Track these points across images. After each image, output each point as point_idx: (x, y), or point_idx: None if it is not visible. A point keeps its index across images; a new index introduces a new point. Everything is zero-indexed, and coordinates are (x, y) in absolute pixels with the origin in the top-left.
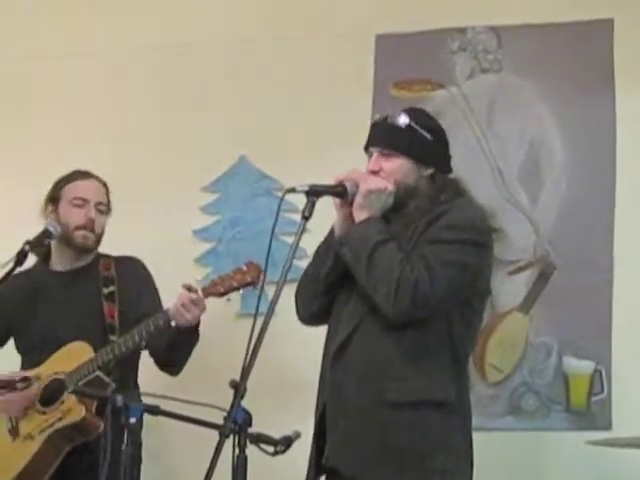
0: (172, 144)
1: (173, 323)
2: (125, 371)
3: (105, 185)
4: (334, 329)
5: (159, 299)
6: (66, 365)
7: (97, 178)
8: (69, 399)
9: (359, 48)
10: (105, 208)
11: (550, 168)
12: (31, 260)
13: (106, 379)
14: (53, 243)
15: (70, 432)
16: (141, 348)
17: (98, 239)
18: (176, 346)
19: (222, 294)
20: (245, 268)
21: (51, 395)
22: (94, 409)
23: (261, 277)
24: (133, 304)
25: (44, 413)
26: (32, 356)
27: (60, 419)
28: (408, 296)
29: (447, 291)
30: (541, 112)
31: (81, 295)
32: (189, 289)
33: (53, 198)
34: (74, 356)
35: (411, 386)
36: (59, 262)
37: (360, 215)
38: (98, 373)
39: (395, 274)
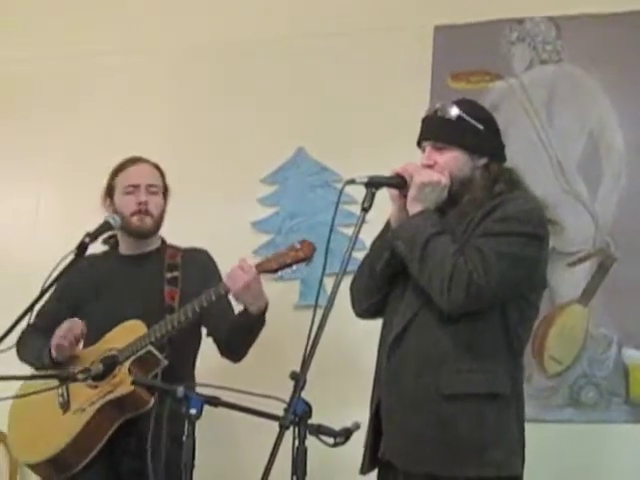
0: (230, 137)
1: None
2: (180, 355)
3: (157, 167)
4: (389, 322)
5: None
6: (119, 342)
7: (147, 161)
8: (120, 372)
9: (417, 40)
10: (157, 189)
11: (610, 159)
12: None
13: (158, 355)
14: (120, 232)
15: (120, 404)
16: (210, 331)
17: (157, 221)
18: (239, 329)
19: (275, 270)
20: (298, 245)
21: (104, 372)
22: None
23: (314, 254)
24: (195, 292)
25: (96, 387)
26: (92, 335)
27: (110, 392)
28: (462, 288)
29: (501, 283)
30: (601, 103)
31: (143, 277)
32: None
33: (108, 191)
34: (128, 333)
35: (466, 379)
36: (127, 248)
37: (414, 208)
38: (150, 348)
39: (448, 266)
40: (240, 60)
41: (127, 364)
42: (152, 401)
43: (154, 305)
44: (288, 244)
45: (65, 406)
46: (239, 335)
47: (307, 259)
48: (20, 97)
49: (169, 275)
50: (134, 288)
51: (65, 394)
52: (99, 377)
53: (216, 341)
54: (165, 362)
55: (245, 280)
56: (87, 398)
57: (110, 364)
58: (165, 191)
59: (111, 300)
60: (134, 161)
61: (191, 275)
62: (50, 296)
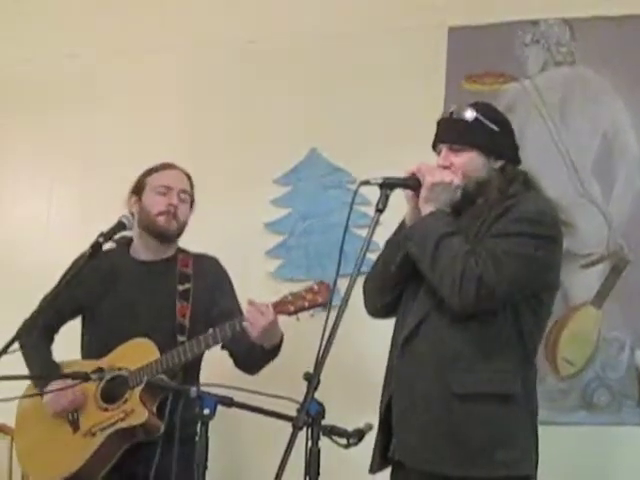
0: (244, 138)
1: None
2: (189, 370)
3: (189, 177)
4: (402, 322)
5: (236, 300)
6: (129, 362)
7: (181, 169)
8: (132, 399)
9: (432, 41)
10: (188, 197)
11: (624, 161)
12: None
13: (170, 385)
14: (136, 232)
15: (131, 433)
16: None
17: (180, 228)
18: (254, 360)
19: (292, 313)
20: (316, 288)
21: (112, 391)
22: (155, 409)
23: (331, 297)
24: (206, 305)
25: (106, 410)
26: (97, 337)
27: (122, 419)
28: (473, 288)
29: (512, 284)
30: (615, 105)
31: (156, 289)
32: (250, 304)
33: (137, 188)
34: (138, 354)
35: (478, 379)
36: (142, 251)
37: (426, 208)
38: (163, 377)
39: (460, 266)
40: (254, 61)
41: (138, 392)
42: (162, 428)
43: (165, 321)
44: (306, 286)
45: (74, 424)
46: (252, 361)
47: (325, 304)
48: (33, 97)
49: (181, 288)
50: (145, 298)
51: (74, 412)
52: (107, 397)
53: (231, 356)
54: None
55: (264, 325)
56: (98, 421)
57: (118, 385)
58: (192, 202)
59: (121, 304)
60: (170, 166)
61: (202, 289)
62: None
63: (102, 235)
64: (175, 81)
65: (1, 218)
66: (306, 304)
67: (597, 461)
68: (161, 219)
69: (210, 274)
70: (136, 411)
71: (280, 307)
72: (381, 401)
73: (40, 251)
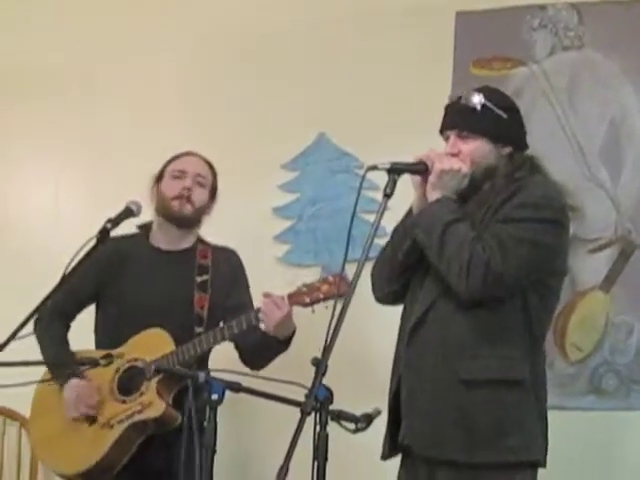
0: (251, 122)
1: (262, 326)
2: (202, 361)
3: (210, 164)
4: (409, 308)
5: (249, 295)
6: (145, 352)
7: (203, 157)
8: (149, 391)
9: (439, 25)
10: (205, 181)
11: (632, 146)
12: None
13: (179, 370)
14: (155, 220)
15: (148, 425)
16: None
17: (197, 213)
18: (264, 351)
19: (307, 304)
20: (332, 279)
21: (128, 382)
22: (171, 400)
23: (347, 290)
24: (223, 297)
25: (123, 402)
26: (112, 324)
27: (140, 412)
28: (480, 275)
29: (520, 270)
30: (622, 89)
31: (174, 279)
32: (266, 296)
33: (158, 177)
34: (154, 345)
35: (485, 365)
36: (161, 239)
37: (433, 195)
38: (178, 368)
39: (466, 253)
40: (260, 46)
41: (154, 383)
42: (179, 419)
43: (183, 311)
44: (321, 277)
45: (90, 417)
46: (261, 354)
47: (340, 296)
48: (41, 83)
49: (199, 279)
50: (164, 288)
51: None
52: (123, 389)
53: (237, 349)
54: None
55: (280, 318)
56: (115, 413)
57: (134, 377)
58: (213, 190)
59: (140, 291)
60: (190, 153)
61: (220, 279)
62: (74, 276)
63: (109, 221)
64: (182, 67)
65: (9, 206)
66: (321, 296)
67: (605, 446)
68: (175, 203)
69: (228, 267)
70: (153, 404)
71: (295, 298)
72: (390, 388)
73: (48, 239)
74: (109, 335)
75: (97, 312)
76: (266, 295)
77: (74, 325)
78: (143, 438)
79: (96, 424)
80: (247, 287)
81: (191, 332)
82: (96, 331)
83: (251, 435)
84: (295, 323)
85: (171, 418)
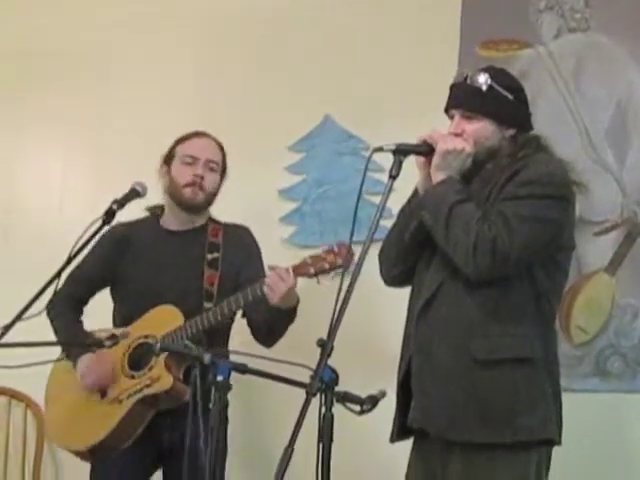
0: (257, 104)
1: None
2: (215, 336)
3: (220, 144)
4: (418, 289)
5: (262, 271)
6: (155, 329)
7: (213, 138)
8: (158, 365)
9: (446, 7)
10: (216, 166)
11: (638, 128)
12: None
13: (195, 351)
14: (166, 202)
15: (158, 399)
16: (233, 318)
17: (209, 198)
18: (271, 324)
19: (312, 275)
20: (336, 249)
21: (139, 358)
22: (181, 375)
23: (352, 260)
24: (234, 274)
25: (132, 377)
26: (126, 307)
27: (148, 386)
28: (487, 255)
29: (526, 247)
30: (629, 72)
31: (185, 257)
32: (271, 269)
33: (168, 158)
34: (164, 321)
35: (495, 344)
36: (172, 221)
37: (437, 176)
38: (187, 343)
39: (473, 233)
40: (267, 27)
41: (163, 358)
42: (188, 393)
43: (193, 288)
44: (326, 246)
45: (102, 393)
46: (270, 328)
47: (345, 265)
48: (48, 63)
49: (210, 257)
50: (174, 266)
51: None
52: (134, 365)
53: (249, 327)
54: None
55: (284, 291)
56: (124, 388)
57: (144, 353)
58: (223, 171)
59: (151, 272)
60: (200, 134)
61: (232, 256)
62: (85, 261)
63: (115, 202)
64: (190, 48)
65: (15, 189)
66: (326, 266)
67: (610, 428)
68: (187, 191)
69: (240, 243)
70: (162, 377)
71: (300, 269)
72: (399, 368)
73: (54, 221)
74: (123, 316)
75: (112, 295)
76: (271, 268)
77: (94, 306)
78: (153, 414)
79: (105, 400)
80: (261, 264)
81: (202, 308)
82: (113, 313)
83: (257, 416)
84: (299, 296)
85: (180, 392)
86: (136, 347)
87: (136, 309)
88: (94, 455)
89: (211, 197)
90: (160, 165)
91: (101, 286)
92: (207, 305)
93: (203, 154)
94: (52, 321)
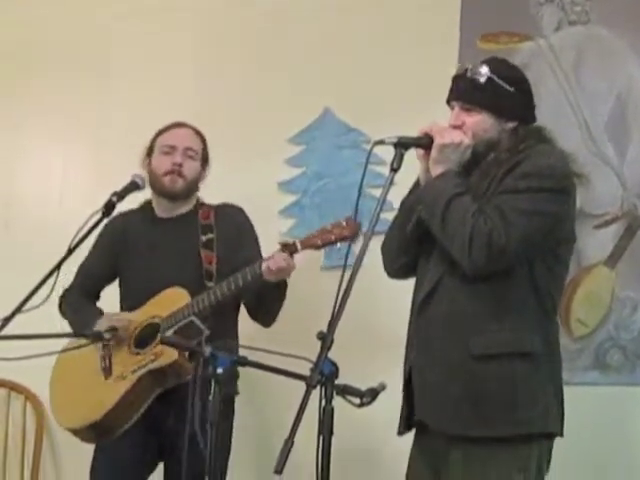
0: (258, 97)
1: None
2: (221, 321)
3: (199, 133)
4: (420, 282)
5: (258, 249)
6: (162, 310)
7: (191, 127)
8: None
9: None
10: (195, 154)
11: (638, 121)
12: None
13: (201, 325)
14: (152, 194)
15: (162, 374)
16: (240, 296)
17: (190, 185)
18: (265, 298)
19: (319, 246)
20: (344, 223)
21: (146, 338)
22: (187, 353)
23: (359, 233)
24: (232, 252)
25: (137, 354)
26: (130, 297)
27: (152, 360)
28: (483, 249)
29: (522, 241)
30: (629, 65)
31: (179, 242)
32: (285, 246)
33: (149, 150)
34: (171, 301)
35: (495, 338)
36: (159, 210)
37: (436, 169)
38: (193, 318)
39: (468, 227)
40: (267, 21)
41: (169, 334)
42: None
43: (192, 270)
44: (335, 221)
45: (107, 371)
46: (263, 303)
47: (352, 238)
48: (49, 57)
49: (204, 238)
50: (171, 251)
51: (107, 359)
52: (142, 344)
53: (245, 306)
54: (207, 332)
55: (283, 267)
56: (129, 365)
57: (152, 333)
58: (204, 160)
59: (147, 261)
60: (179, 125)
61: (226, 238)
62: (91, 255)
63: (115, 194)
64: (190, 42)
65: (16, 182)
66: (333, 237)
67: (610, 421)
68: (167, 179)
69: (233, 224)
70: (166, 352)
71: (308, 242)
72: (405, 361)
73: (54, 213)
74: (129, 303)
75: (119, 286)
76: (281, 244)
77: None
78: (157, 392)
79: (110, 378)
80: (255, 242)
81: (204, 288)
82: (120, 303)
83: (257, 409)
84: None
85: (184, 368)
86: (143, 328)
87: (140, 296)
88: (96, 433)
89: (193, 184)
90: (142, 158)
91: (109, 279)
92: (209, 284)
93: (181, 143)
94: (64, 313)
